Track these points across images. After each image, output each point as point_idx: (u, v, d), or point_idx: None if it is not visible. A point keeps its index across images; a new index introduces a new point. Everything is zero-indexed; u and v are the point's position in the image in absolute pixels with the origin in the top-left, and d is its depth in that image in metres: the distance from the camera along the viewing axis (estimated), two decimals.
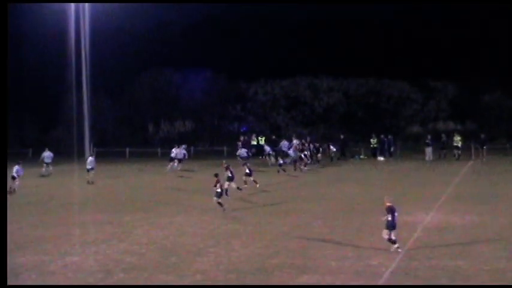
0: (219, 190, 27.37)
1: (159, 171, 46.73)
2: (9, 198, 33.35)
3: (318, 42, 71.48)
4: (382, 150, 53.70)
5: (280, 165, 42.94)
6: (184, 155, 46.82)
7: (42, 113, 69.84)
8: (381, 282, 15.94)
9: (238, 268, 17.54)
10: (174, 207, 28.04)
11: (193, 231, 23.03)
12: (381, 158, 52.20)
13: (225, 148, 60.04)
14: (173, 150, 46.25)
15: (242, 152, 46.82)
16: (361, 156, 54.27)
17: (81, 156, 51.66)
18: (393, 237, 18.85)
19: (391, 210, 18.80)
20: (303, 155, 45.54)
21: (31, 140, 65.52)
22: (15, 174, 36.13)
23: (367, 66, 68.20)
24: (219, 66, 69.30)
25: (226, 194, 30.00)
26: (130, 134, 70.66)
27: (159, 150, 61.75)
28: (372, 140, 54.41)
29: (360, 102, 71.86)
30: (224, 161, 35.16)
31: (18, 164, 37.29)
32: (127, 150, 62.79)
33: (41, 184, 40.20)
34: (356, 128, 65.73)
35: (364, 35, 70.70)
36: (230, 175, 31.36)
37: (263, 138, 55.61)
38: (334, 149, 52.38)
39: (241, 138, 53.20)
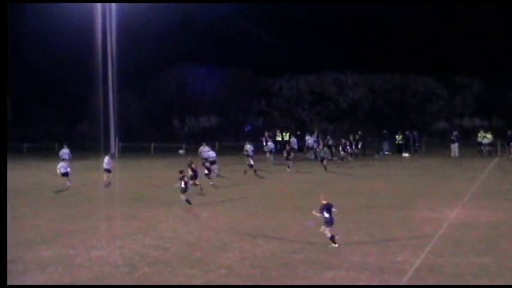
0: (183, 186, 27.59)
1: (183, 165, 46.77)
2: (37, 193, 33.85)
3: (343, 38, 71.15)
4: (407, 146, 53.44)
5: (250, 166, 40.37)
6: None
7: (69, 108, 70.55)
8: (405, 279, 15.89)
9: (263, 263, 17.58)
10: (199, 202, 28.13)
11: (218, 226, 23.11)
12: (406, 155, 51.87)
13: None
14: (209, 152, 40.98)
15: (249, 147, 45.26)
16: (386, 152, 53.96)
17: (107, 151, 52.06)
18: (329, 234, 19.17)
19: (327, 208, 19.21)
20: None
21: (58, 134, 66.16)
22: (63, 170, 35.35)
23: (392, 61, 67.78)
24: (244, 61, 69.31)
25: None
26: (155, 129, 70.99)
27: (183, 145, 61.96)
28: (396, 136, 54.03)
29: (385, 98, 71.60)
30: (189, 158, 34.93)
31: (63, 160, 38.06)
32: (152, 145, 63.09)
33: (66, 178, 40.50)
34: (381, 123, 65.36)
35: (389, 30, 70.25)
36: (192, 173, 31.47)
37: (287, 134, 55.39)
38: (359, 146, 52.08)
39: (266, 133, 52.92)
